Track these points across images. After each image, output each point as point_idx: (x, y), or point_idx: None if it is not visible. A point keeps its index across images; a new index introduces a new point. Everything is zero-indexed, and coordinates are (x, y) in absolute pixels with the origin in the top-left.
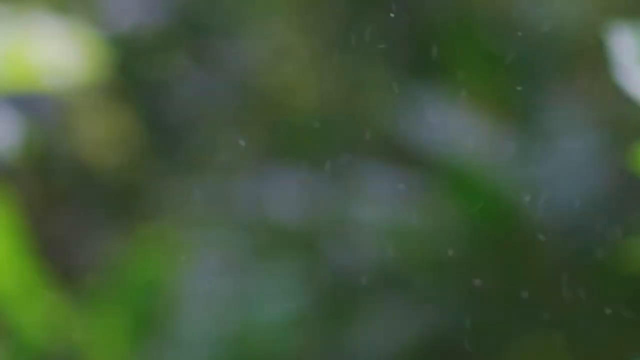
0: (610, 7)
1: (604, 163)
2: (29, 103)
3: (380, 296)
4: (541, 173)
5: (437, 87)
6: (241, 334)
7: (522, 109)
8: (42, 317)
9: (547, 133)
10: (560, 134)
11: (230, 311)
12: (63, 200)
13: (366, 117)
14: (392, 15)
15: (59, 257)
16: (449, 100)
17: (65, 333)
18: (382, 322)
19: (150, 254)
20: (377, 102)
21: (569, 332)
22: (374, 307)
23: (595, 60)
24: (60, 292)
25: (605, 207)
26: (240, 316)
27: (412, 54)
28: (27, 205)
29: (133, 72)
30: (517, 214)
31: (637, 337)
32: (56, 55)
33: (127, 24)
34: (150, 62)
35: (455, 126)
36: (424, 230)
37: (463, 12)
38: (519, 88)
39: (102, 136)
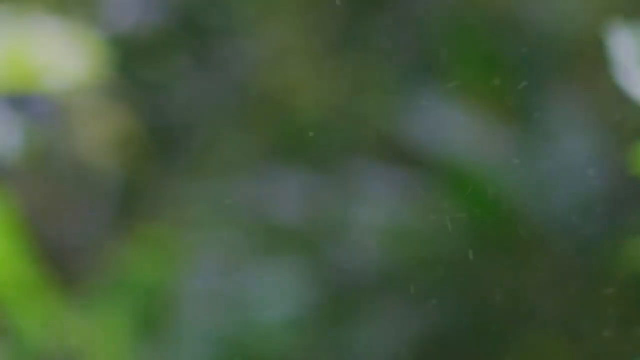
0: (610, 7)
1: (603, 163)
2: (28, 104)
3: (380, 297)
4: (541, 173)
5: (438, 88)
6: (241, 334)
7: (522, 109)
8: (42, 317)
9: (547, 133)
10: (560, 134)
11: (231, 312)
12: (63, 201)
13: (367, 118)
14: (392, 15)
15: (59, 258)
16: (449, 101)
17: (66, 334)
18: (383, 322)
19: (150, 255)
20: (377, 102)
21: (569, 333)
22: (374, 308)
23: (595, 60)
24: (61, 293)
25: (605, 208)
26: (241, 317)
27: (413, 54)
28: (27, 206)
29: (133, 72)
30: (517, 214)
31: (637, 338)
32: (56, 56)
33: (127, 24)
34: (150, 63)
35: (456, 126)
36: (424, 230)
37: (463, 12)
38: (519, 88)
39: (102, 137)
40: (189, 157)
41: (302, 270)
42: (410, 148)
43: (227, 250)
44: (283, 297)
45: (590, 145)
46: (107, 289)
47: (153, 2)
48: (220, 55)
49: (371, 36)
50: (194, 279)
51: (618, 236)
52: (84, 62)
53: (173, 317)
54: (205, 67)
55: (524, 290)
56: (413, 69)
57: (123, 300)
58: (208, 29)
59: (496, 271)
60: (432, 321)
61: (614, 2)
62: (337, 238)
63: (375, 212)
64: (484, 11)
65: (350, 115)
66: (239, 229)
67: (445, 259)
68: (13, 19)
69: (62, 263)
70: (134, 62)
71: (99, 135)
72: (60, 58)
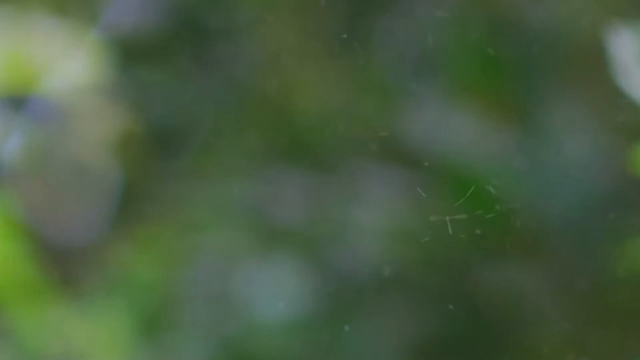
0: (610, 7)
1: (604, 164)
2: (28, 104)
3: (380, 297)
4: (541, 174)
5: (438, 88)
6: (241, 334)
7: (522, 110)
8: (42, 318)
9: (548, 134)
10: (560, 134)
11: (231, 312)
12: (63, 201)
13: (367, 118)
14: (392, 15)
15: (59, 258)
16: (449, 101)
17: (65, 334)
18: (383, 323)
19: (150, 255)
20: (377, 103)
21: (569, 333)
22: (374, 308)
23: (595, 60)
24: (60, 294)
25: (606, 208)
26: (241, 317)
27: (413, 54)
28: (27, 206)
29: (133, 73)
30: (518, 215)
31: (638, 338)
32: (56, 56)
33: (127, 24)
34: (150, 63)
35: (456, 127)
36: (424, 231)
37: (463, 12)
38: (519, 88)
39: (102, 137)
40: (190, 157)
41: (302, 270)
42: (411, 149)
43: (227, 251)
44: (283, 297)
45: (590, 146)
46: (107, 289)
47: (153, 3)
48: (220, 56)
49: (371, 37)
50: (194, 279)
51: (619, 237)
52: (84, 63)
53: (173, 317)
54: (205, 68)
55: (525, 291)
56: (413, 70)
57: (123, 300)
58: (208, 29)
59: (496, 272)
60: (432, 322)
61: (614, 3)
62: (337, 239)
63: (375, 213)
64: (484, 11)
65: (350, 115)
66: (239, 229)
67: (445, 259)
68: (12, 19)
69: (62, 263)
70: (134, 63)
71: (99, 135)
72: (60, 58)
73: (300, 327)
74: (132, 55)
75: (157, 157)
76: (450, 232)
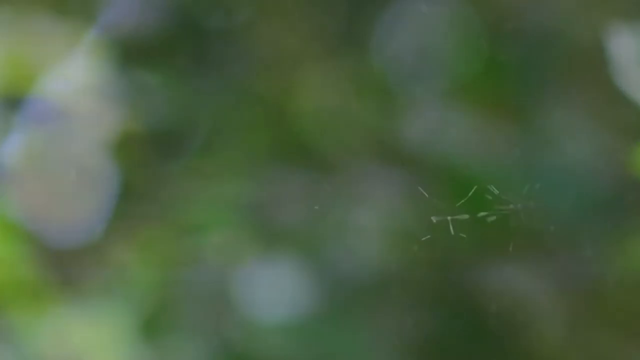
0: (610, 8)
1: (603, 164)
2: (27, 105)
3: (380, 298)
4: (541, 174)
5: (437, 89)
6: (241, 336)
7: (522, 110)
8: (41, 318)
9: (547, 134)
10: (560, 135)
11: (230, 312)
12: (63, 201)
13: (367, 119)
14: (392, 16)
15: (58, 259)
16: (449, 102)
17: (65, 335)
18: (382, 323)
19: (150, 255)
20: (377, 103)
21: (569, 333)
22: (374, 309)
23: (596, 61)
24: (60, 294)
25: (606, 209)
26: (240, 318)
27: (412, 55)
28: (27, 206)
29: (132, 74)
30: (517, 215)
31: (638, 338)
32: (55, 57)
33: (127, 25)
34: (149, 64)
35: (455, 128)
36: (423, 231)
37: (464, 13)
38: (518, 89)
39: (102, 138)
40: (189, 158)
41: (302, 271)
42: (410, 149)
43: (227, 251)
44: (282, 298)
45: (590, 146)
46: (107, 289)
47: (153, 3)
48: (220, 56)
49: (371, 37)
50: (193, 280)
51: (619, 237)
52: (83, 63)
53: (172, 317)
54: (205, 68)
55: (525, 291)
56: (413, 70)
57: (122, 301)
58: (208, 29)
59: (496, 272)
60: (431, 322)
61: (614, 3)
62: (336, 239)
63: (374, 213)
64: (484, 12)
65: (350, 116)
66: (239, 230)
67: (445, 260)
68: (12, 20)
69: (61, 264)
70: (133, 63)
71: (98, 136)
72: (59, 59)
73: (300, 328)
74: (131, 55)
75: (156, 157)
76: (450, 232)
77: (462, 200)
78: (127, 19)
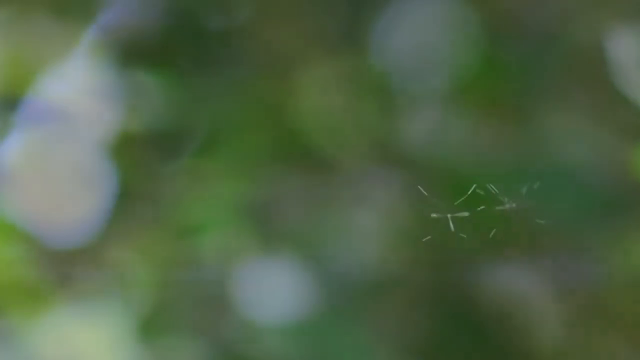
0: (610, 9)
1: (603, 165)
2: (27, 105)
3: (379, 298)
4: (541, 174)
5: (437, 89)
6: (240, 337)
7: (522, 111)
8: (40, 319)
9: (547, 134)
10: (560, 135)
11: (230, 314)
12: (61, 203)
13: (366, 120)
14: (392, 16)
15: (58, 259)
16: (449, 102)
17: (63, 335)
18: (382, 324)
19: (149, 257)
20: (377, 104)
21: (568, 333)
22: (373, 309)
23: (596, 61)
24: (60, 294)
25: (606, 209)
26: (240, 319)
27: (412, 55)
28: (27, 207)
29: (132, 74)
30: (517, 216)
31: (638, 339)
32: (54, 58)
33: (126, 26)
34: (149, 65)
35: (455, 128)
36: (423, 232)
37: (464, 14)
38: (518, 90)
39: (100, 139)
40: (188, 159)
41: (302, 272)
42: (410, 150)
43: (226, 252)
44: (282, 299)
45: (590, 147)
46: (105, 290)
47: (152, 3)
48: (220, 56)
49: (371, 38)
50: (192, 281)
51: (619, 237)
52: (83, 64)
53: (171, 318)
54: (205, 68)
55: (524, 291)
56: (413, 71)
57: (121, 301)
58: (208, 29)
59: (496, 273)
60: (430, 322)
61: (614, 4)
62: (336, 240)
63: (374, 214)
64: (484, 12)
65: (350, 116)
66: (238, 231)
67: (445, 260)
68: (11, 20)
69: (59, 264)
70: (132, 64)
71: (97, 137)
72: (59, 60)
73: (299, 329)
74: (130, 56)
75: (155, 158)
76: (450, 232)
77: (462, 200)
78: (126, 19)
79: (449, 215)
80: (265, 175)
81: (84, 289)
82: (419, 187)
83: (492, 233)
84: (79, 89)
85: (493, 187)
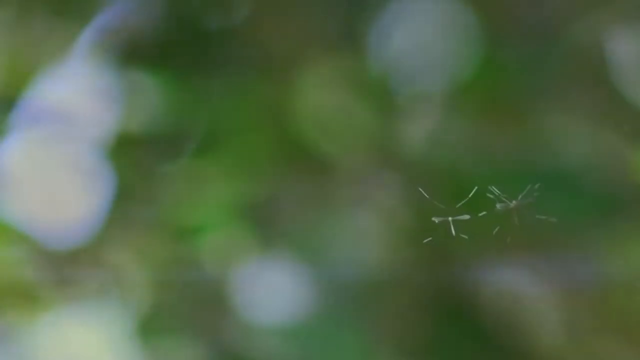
0: (610, 9)
1: (603, 165)
2: (24, 106)
3: (379, 299)
4: (541, 175)
5: (437, 90)
6: (239, 338)
7: (522, 111)
8: (38, 320)
9: (547, 135)
10: (560, 135)
11: (228, 315)
12: (59, 204)
13: (366, 120)
14: (392, 17)
15: (55, 261)
16: (449, 103)
17: (62, 336)
18: (382, 324)
19: (148, 258)
20: (377, 105)
21: (568, 333)
22: (373, 310)
23: (596, 61)
24: (57, 296)
25: (606, 210)
26: (239, 320)
27: (412, 56)
28: (24, 208)
29: (131, 75)
30: (517, 216)
31: (638, 339)
32: (54, 58)
33: (126, 26)
34: (148, 65)
35: (455, 129)
36: (422, 233)
37: (464, 14)
38: (518, 90)
39: (99, 140)
40: (187, 159)
41: (301, 273)
42: (410, 150)
43: (225, 253)
44: (281, 299)
45: (590, 147)
46: (104, 290)
47: (152, 4)
48: (219, 56)
49: (370, 38)
50: (191, 281)
51: (619, 237)
52: (81, 65)
53: (170, 319)
54: (205, 69)
55: (524, 292)
56: (412, 71)
57: (120, 301)
58: (207, 30)
59: (495, 273)
60: (430, 323)
61: (614, 4)
62: (335, 241)
63: (374, 215)
64: (484, 12)
65: (349, 117)
66: (237, 231)
67: (445, 261)
68: (12, 20)
69: (57, 265)
70: (131, 64)
71: (96, 137)
72: (58, 60)
73: (298, 330)
74: (129, 56)
75: (153, 158)
76: (450, 233)
77: (463, 201)
78: (125, 20)
79: (449, 219)
80: (265, 176)
81: (83, 289)
82: (419, 187)
83: (492, 233)
84: (77, 90)
85: (494, 187)
